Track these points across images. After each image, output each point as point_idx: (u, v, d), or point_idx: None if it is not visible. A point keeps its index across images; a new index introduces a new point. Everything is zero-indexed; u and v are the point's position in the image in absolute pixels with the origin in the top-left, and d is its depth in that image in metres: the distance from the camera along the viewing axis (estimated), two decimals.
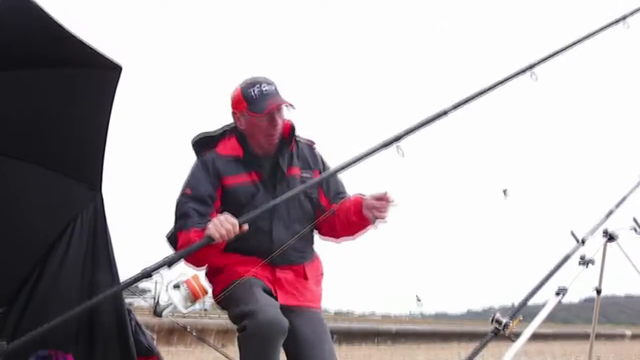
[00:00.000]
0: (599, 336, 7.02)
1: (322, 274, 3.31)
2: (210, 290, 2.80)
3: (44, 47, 3.18)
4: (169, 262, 2.63)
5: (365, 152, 2.83)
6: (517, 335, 3.35)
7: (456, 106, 2.91)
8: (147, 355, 5.41)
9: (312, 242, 3.29)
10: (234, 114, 3.10)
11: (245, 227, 2.70)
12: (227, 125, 3.19)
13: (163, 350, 6.68)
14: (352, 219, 3.01)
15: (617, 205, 4.04)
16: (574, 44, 3.26)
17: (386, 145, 2.79)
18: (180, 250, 2.77)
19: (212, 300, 3.03)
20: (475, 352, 3.32)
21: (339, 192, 3.21)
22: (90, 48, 3.16)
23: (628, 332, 35.06)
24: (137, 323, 5.54)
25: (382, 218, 2.89)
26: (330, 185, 3.20)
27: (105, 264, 4.01)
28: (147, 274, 2.64)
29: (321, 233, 3.28)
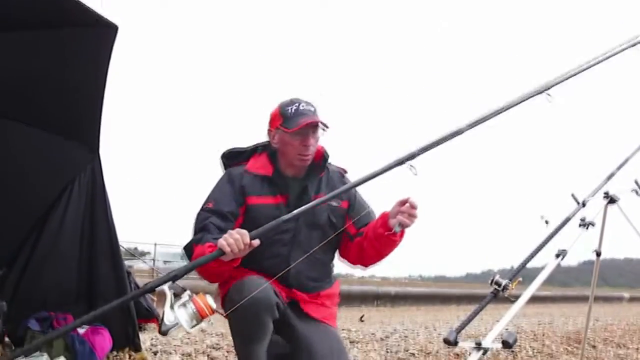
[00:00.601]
0: (597, 299, 7.07)
1: (338, 298, 3.24)
2: (215, 307, 2.67)
3: (41, 8, 3.14)
4: (174, 277, 2.53)
5: (378, 170, 2.73)
6: (516, 297, 3.34)
7: (472, 125, 2.84)
8: (147, 317, 5.46)
9: (331, 271, 3.19)
10: (269, 131, 3.02)
11: (256, 242, 2.55)
12: (260, 143, 3.11)
13: (162, 312, 6.71)
14: (379, 231, 2.84)
15: (619, 168, 3.99)
16: (591, 66, 3.20)
17: (400, 163, 2.73)
18: (187, 264, 2.58)
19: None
20: (475, 314, 3.31)
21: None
22: (86, 7, 3.12)
23: (626, 295, 35.34)
24: (136, 285, 5.58)
25: (407, 225, 2.74)
26: (360, 218, 3.04)
27: (104, 225, 4.01)
28: (151, 289, 2.56)
29: (350, 261, 3.16)
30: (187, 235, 2.89)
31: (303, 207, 2.63)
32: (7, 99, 3.57)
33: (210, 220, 2.84)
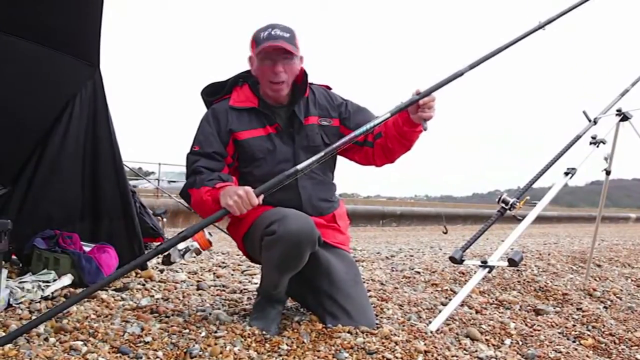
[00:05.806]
0: (603, 219, 7.05)
1: (348, 219, 3.25)
2: (212, 241, 2.83)
3: None
4: (184, 237, 2.63)
5: (384, 116, 2.82)
6: (522, 216, 3.32)
7: (472, 66, 2.86)
8: (153, 236, 5.48)
9: (335, 189, 3.19)
10: (250, 58, 2.93)
11: (261, 197, 2.63)
12: (240, 74, 3.02)
13: (169, 231, 6.76)
14: (404, 129, 2.87)
15: (633, 84, 3.90)
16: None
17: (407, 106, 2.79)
18: (195, 225, 2.69)
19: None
20: (481, 232, 3.30)
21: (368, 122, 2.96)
22: None
23: (633, 215, 35.60)
24: (141, 204, 5.58)
25: (430, 116, 2.79)
26: (360, 120, 2.98)
27: (107, 142, 3.97)
28: (162, 250, 2.66)
29: (376, 164, 3.15)
30: None
31: (315, 157, 2.72)
32: (2, 13, 3.46)
33: (200, 164, 2.85)
